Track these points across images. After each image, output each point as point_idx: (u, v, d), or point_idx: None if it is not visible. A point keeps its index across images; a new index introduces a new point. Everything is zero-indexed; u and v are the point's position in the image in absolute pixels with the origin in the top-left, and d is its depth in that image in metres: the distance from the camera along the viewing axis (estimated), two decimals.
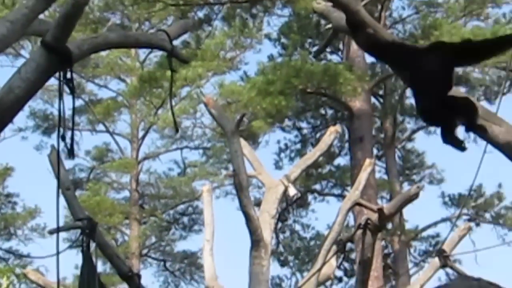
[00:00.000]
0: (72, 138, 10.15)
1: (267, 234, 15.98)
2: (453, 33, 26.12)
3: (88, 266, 11.83)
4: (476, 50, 8.23)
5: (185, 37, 28.10)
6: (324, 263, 16.35)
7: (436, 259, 17.04)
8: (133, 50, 33.67)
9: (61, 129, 10.04)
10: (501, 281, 11.02)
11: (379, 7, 28.30)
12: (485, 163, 12.36)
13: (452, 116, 8.51)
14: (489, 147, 10.79)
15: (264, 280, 15.65)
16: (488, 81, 29.17)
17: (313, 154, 18.77)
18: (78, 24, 21.47)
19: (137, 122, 35.54)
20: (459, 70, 30.27)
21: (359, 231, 13.87)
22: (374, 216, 13.58)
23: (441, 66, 7.93)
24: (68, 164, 34.81)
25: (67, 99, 9.66)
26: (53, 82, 9.61)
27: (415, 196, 15.24)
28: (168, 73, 13.12)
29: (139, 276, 14.65)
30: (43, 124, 33.23)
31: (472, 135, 10.92)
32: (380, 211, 13.59)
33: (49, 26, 9.30)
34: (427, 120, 8.90)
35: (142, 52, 34.38)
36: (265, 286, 15.68)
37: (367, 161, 17.96)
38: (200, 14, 28.31)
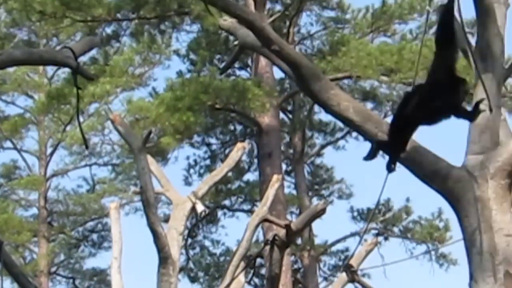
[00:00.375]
0: None
1: (175, 251, 15.96)
2: (360, 49, 26.37)
3: None
4: None
5: (93, 53, 28.10)
6: (232, 279, 16.36)
7: (344, 274, 17.21)
8: (41, 67, 33.45)
9: None
10: None
11: (288, 23, 28.45)
12: (393, 178, 12.47)
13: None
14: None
15: None
16: (396, 97, 29.42)
17: (220, 170, 18.81)
18: None
19: (45, 139, 35.28)
20: (367, 85, 30.64)
21: (267, 247, 13.95)
22: (282, 232, 13.64)
23: None
24: None
25: None
26: None
27: (322, 211, 15.33)
28: (80, 92, 13.04)
29: None
30: None
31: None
32: (287, 227, 13.65)
33: None
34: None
35: (50, 69, 34.15)
36: None
37: (275, 177, 18.03)
38: (108, 30, 28.29)
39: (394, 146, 9.29)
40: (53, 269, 35.73)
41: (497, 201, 9.89)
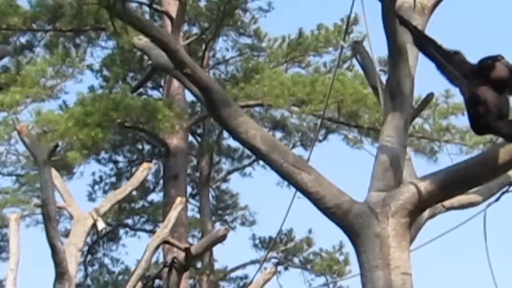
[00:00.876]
0: None
1: (72, 267, 15.83)
2: (273, 78, 26.48)
3: None
4: None
5: (5, 61, 27.74)
6: None
7: None
8: None
9: None
10: None
11: (203, 46, 28.48)
12: (296, 208, 12.49)
13: None
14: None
15: None
16: (305, 128, 29.61)
17: (125, 189, 18.76)
18: None
19: None
20: (277, 114, 30.74)
21: (166, 269, 13.95)
22: (182, 255, 13.67)
23: None
24: None
25: None
26: None
27: (223, 237, 15.39)
28: None
29: None
30: None
31: (286, 183, 11.08)
32: (187, 250, 13.69)
33: None
34: None
35: None
36: None
37: (179, 199, 18.03)
38: (23, 39, 28.04)
39: None
40: None
41: (396, 239, 9.98)
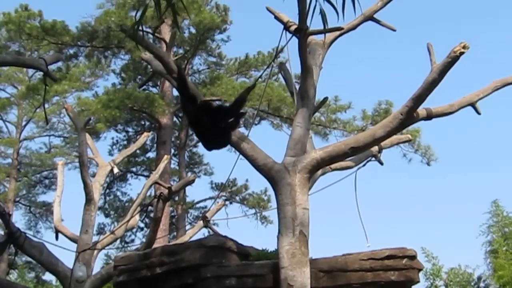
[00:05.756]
0: None
1: (96, 196, 15.74)
2: (228, 83, 26.44)
3: None
4: (229, 111, 8.50)
5: (59, 64, 27.50)
6: (131, 217, 16.22)
7: (201, 222, 17.22)
8: (24, 69, 33.03)
9: None
10: (239, 238, 11.14)
11: (185, 61, 28.35)
12: (240, 164, 12.38)
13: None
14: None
15: (91, 225, 15.39)
16: (247, 116, 29.61)
17: (131, 148, 18.66)
18: None
19: (22, 115, 35.12)
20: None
21: (155, 200, 13.84)
22: (166, 191, 13.56)
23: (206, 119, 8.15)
24: None
25: None
26: None
27: (192, 181, 15.37)
28: (47, 87, 12.84)
29: (9, 214, 14.16)
30: None
31: (233, 149, 11.02)
32: (169, 188, 13.57)
33: None
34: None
35: (30, 71, 33.63)
36: (91, 229, 15.43)
37: (165, 156, 17.99)
38: (71, 51, 27.70)
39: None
40: (17, 199, 35.15)
41: (300, 186, 9.99)
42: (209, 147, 9.10)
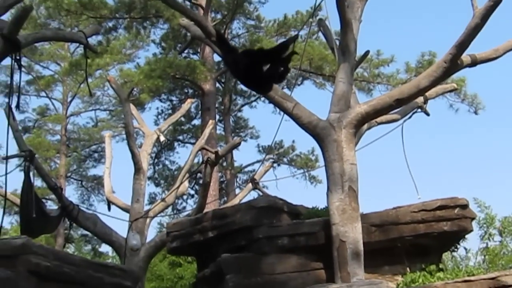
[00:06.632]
0: (18, 98, 9.79)
1: (145, 165, 15.93)
2: (268, 45, 26.21)
3: (27, 181, 11.55)
4: (268, 53, 8.33)
5: (100, 38, 27.66)
6: (181, 183, 16.39)
7: (250, 184, 17.32)
8: (66, 45, 33.33)
9: (14, 94, 9.70)
10: (288, 199, 11.15)
11: (224, 27, 28.28)
12: (285, 125, 12.33)
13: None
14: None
15: (142, 194, 15.60)
16: (289, 76, 29.39)
17: (176, 115, 18.81)
18: (31, 26, 20.61)
19: (67, 91, 35.54)
20: None
21: (202, 166, 13.95)
22: (213, 156, 13.65)
23: (248, 59, 8.04)
24: (19, 116, 34.38)
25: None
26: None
27: (238, 144, 15.45)
28: (89, 61, 13.00)
29: (61, 188, 14.43)
30: (5, 90, 32.14)
31: (278, 110, 11.00)
32: (216, 153, 13.67)
33: (6, 24, 8.98)
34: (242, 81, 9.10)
35: (72, 47, 33.92)
36: (142, 198, 15.64)
37: (210, 121, 18.17)
38: (110, 24, 27.79)
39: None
40: (69, 174, 35.69)
41: (347, 142, 9.98)
42: (255, 90, 8.97)
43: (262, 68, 8.06)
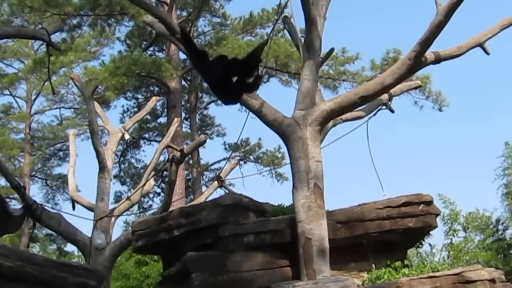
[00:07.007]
0: None
1: (110, 163, 15.80)
2: (234, 43, 26.22)
3: None
4: (241, 63, 8.32)
5: (64, 36, 27.41)
6: (146, 181, 16.27)
7: (216, 182, 17.28)
8: (29, 42, 33.01)
9: None
10: (254, 196, 11.13)
11: (190, 24, 28.15)
12: (250, 123, 12.35)
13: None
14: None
15: (106, 192, 15.47)
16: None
17: (141, 113, 18.68)
18: None
19: (31, 90, 35.29)
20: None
21: (168, 163, 13.87)
22: (178, 154, 13.57)
23: (220, 69, 7.99)
24: None
25: None
26: None
27: (204, 141, 15.44)
28: (53, 59, 12.90)
29: (24, 187, 14.24)
30: None
31: (244, 107, 10.99)
32: (181, 151, 13.60)
33: None
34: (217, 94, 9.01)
35: (36, 45, 33.63)
36: (107, 196, 15.52)
37: (175, 119, 18.05)
38: (74, 21, 27.56)
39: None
40: (33, 173, 35.32)
41: (312, 139, 9.98)
42: (225, 101, 8.88)
43: (232, 80, 8.11)
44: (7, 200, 20.35)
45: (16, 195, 22.57)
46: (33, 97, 35.30)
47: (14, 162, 34.69)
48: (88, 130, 27.18)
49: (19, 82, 35.28)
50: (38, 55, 30.51)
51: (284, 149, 28.54)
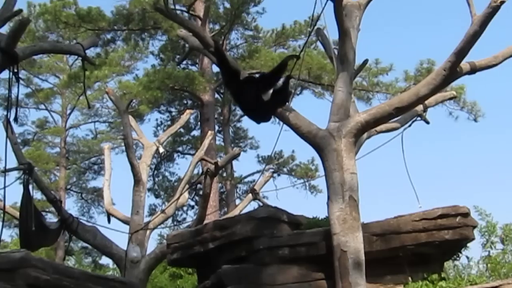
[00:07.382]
0: (16, 110, 9.75)
1: (144, 176, 15.87)
2: (267, 55, 26.27)
3: (26, 194, 11.50)
4: (270, 78, 8.42)
5: (98, 50, 27.69)
6: (180, 195, 16.32)
7: (250, 195, 17.27)
8: (64, 57, 33.38)
9: (12, 107, 9.67)
10: (288, 209, 11.09)
11: (222, 37, 28.28)
12: (284, 135, 12.31)
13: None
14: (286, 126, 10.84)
15: (141, 206, 15.54)
16: None
17: (175, 126, 18.76)
18: (29, 39, 20.54)
19: (66, 104, 35.53)
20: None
21: (202, 177, 13.91)
22: (212, 167, 13.60)
23: (251, 91, 8.05)
24: (18, 129, 34.42)
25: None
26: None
27: (238, 154, 15.45)
28: (87, 73, 13.04)
29: (60, 201, 14.38)
30: (3, 103, 32.03)
31: (277, 120, 10.97)
32: (216, 164, 13.62)
33: (3, 37, 8.95)
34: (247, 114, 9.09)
35: (71, 59, 34.00)
36: (142, 210, 15.57)
37: (209, 132, 18.09)
38: (108, 36, 27.84)
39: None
40: (68, 187, 35.65)
41: (346, 151, 9.93)
42: (257, 120, 8.90)
43: (263, 99, 8.22)
44: (43, 213, 20.55)
45: (52, 209, 22.76)
46: (68, 112, 35.69)
47: (49, 176, 35.03)
48: (122, 144, 27.52)
49: (54, 96, 35.68)
50: (73, 70, 30.84)
51: (317, 161, 28.54)
